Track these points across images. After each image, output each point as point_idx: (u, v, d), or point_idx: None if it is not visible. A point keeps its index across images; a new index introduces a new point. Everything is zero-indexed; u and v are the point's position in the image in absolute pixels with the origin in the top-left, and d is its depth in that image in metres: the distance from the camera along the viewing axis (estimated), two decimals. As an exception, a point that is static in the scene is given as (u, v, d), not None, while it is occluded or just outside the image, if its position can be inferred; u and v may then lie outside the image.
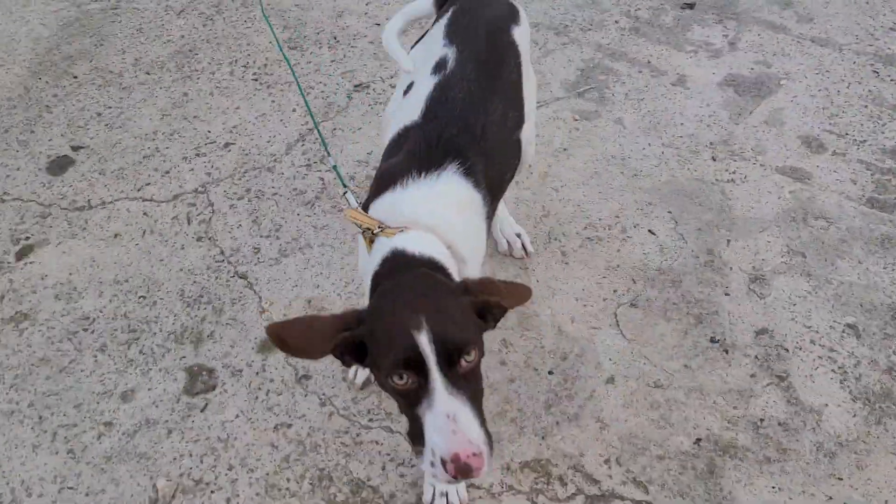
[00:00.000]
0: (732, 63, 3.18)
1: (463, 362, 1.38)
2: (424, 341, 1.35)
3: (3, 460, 2.11)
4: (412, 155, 1.75)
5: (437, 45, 1.96)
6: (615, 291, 2.41)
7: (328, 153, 2.04)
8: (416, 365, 1.36)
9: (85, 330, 2.42)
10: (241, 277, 2.54)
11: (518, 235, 2.54)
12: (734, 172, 2.74)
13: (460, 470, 1.30)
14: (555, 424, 2.10)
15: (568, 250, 2.54)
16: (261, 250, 2.62)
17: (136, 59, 3.49)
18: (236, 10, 3.73)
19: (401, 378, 1.37)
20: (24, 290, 2.55)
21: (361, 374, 2.22)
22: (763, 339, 2.25)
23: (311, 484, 2.02)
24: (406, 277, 1.54)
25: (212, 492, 2.02)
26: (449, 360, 1.36)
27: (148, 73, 3.41)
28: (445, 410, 1.34)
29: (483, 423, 1.39)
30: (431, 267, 1.57)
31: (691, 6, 3.47)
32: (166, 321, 2.43)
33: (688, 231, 2.56)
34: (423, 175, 1.70)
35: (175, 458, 2.10)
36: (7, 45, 3.61)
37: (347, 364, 1.52)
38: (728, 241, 2.52)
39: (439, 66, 1.90)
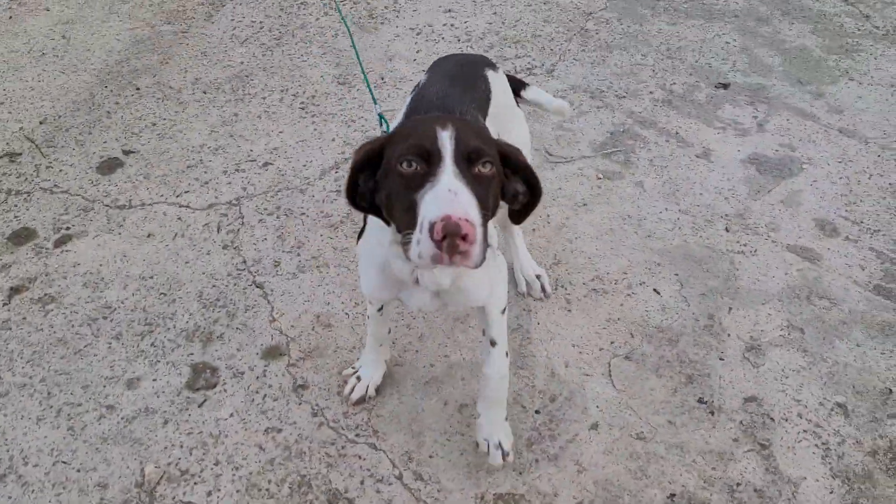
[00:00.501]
0: (758, 143, 3.25)
1: (478, 168, 1.41)
2: (446, 136, 1.39)
3: (8, 428, 2.23)
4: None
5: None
6: (612, 343, 2.46)
7: (375, 101, 2.20)
8: (431, 153, 1.38)
9: (105, 318, 2.56)
10: (258, 287, 2.66)
11: (538, 277, 2.61)
12: (745, 245, 2.78)
13: (448, 229, 1.26)
14: (534, 462, 2.14)
15: (573, 298, 2.60)
16: (281, 264, 2.74)
17: (196, 79, 3.72)
18: (295, 44, 3.95)
19: (410, 164, 1.39)
20: (56, 276, 2.71)
21: (358, 389, 2.29)
22: (751, 406, 2.27)
23: (290, 488, 2.08)
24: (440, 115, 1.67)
25: (195, 483, 2.10)
26: (465, 159, 1.39)
27: (205, 93, 3.63)
28: (448, 185, 1.34)
29: (485, 225, 1.37)
30: None
31: (726, 86, 3.57)
32: (181, 318, 2.55)
33: (692, 295, 2.60)
34: None
35: (166, 447, 2.19)
36: (81, 54, 3.89)
37: (357, 206, 1.57)
38: (730, 308, 2.55)
39: (415, 88, 2.11)
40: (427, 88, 2.04)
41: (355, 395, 2.29)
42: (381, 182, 1.51)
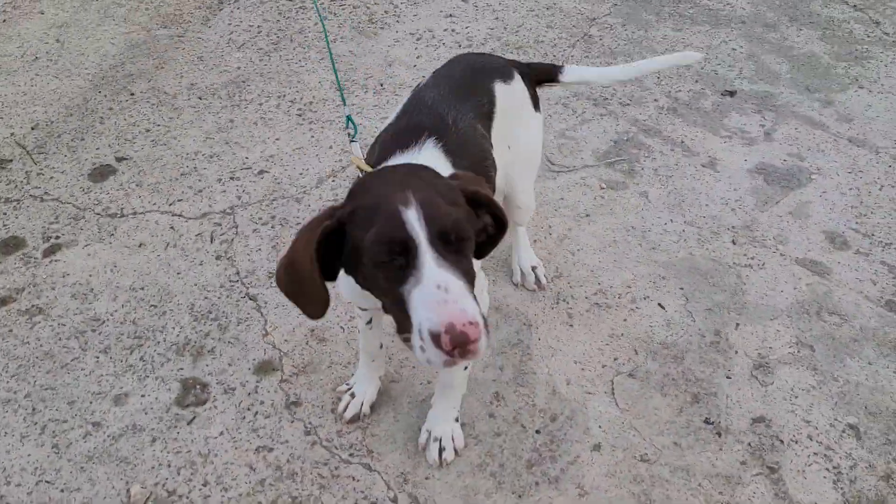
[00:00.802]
0: (766, 152, 3.17)
1: (453, 241, 1.31)
2: (413, 218, 1.27)
3: (-9, 445, 2.16)
4: (391, 139, 1.81)
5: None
6: (615, 359, 2.38)
7: (344, 102, 2.11)
8: (404, 244, 1.27)
9: (93, 331, 2.49)
10: (251, 299, 2.58)
11: (534, 268, 2.58)
12: (752, 258, 2.71)
13: (456, 341, 1.19)
14: (534, 484, 2.06)
15: (575, 313, 2.53)
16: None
17: (192, 84, 3.65)
18: (293, 49, 3.88)
19: (386, 256, 1.28)
20: (45, 286, 2.63)
21: (352, 407, 2.21)
22: (759, 427, 2.19)
23: (281, 510, 2.01)
24: (391, 166, 1.52)
25: (183, 504, 2.03)
26: (439, 238, 1.28)
27: (200, 98, 3.56)
28: (436, 281, 1.24)
29: (477, 303, 1.27)
30: None
31: (732, 94, 3.49)
32: (171, 332, 2.48)
33: (697, 310, 2.52)
34: (405, 151, 1.73)
35: (154, 467, 2.11)
36: (75, 59, 3.82)
37: (328, 277, 1.44)
38: (737, 324, 2.48)
39: (414, 90, 2.04)
40: (425, 90, 1.98)
41: (349, 413, 2.21)
42: (352, 262, 1.40)
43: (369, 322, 2.08)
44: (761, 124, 3.33)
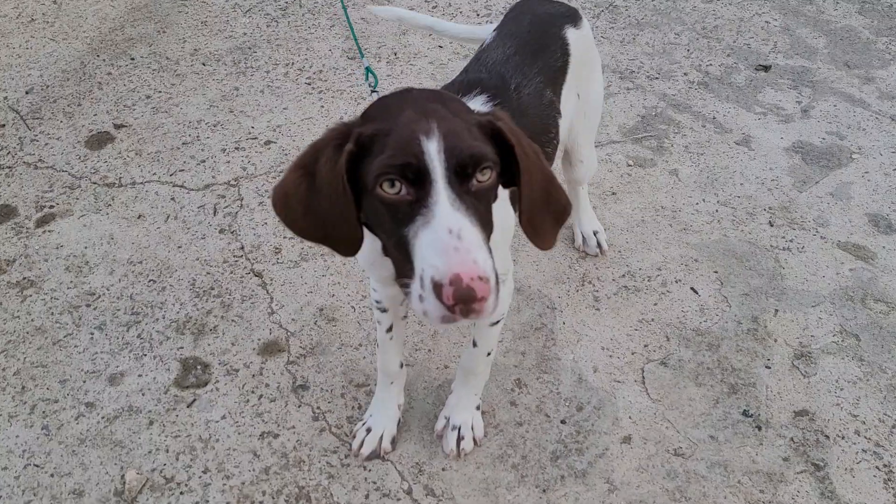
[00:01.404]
0: (803, 130, 3.00)
1: (475, 180, 1.15)
2: (433, 149, 1.11)
3: (-23, 426, 2.01)
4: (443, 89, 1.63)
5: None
6: (646, 346, 2.22)
7: (361, 54, 1.95)
8: (417, 172, 1.11)
9: (88, 306, 2.33)
10: (256, 275, 2.43)
11: (595, 233, 2.48)
12: (791, 241, 2.54)
13: (460, 296, 1.04)
14: (559, 478, 1.91)
15: (601, 296, 2.37)
16: (282, 251, 2.51)
17: (195, 50, 3.47)
18: (302, 15, 3.71)
19: (393, 185, 1.12)
20: (37, 258, 2.48)
21: (368, 443, 1.95)
22: (802, 421, 2.03)
23: (286, 501, 1.86)
24: (417, 89, 1.30)
25: (181, 493, 1.88)
26: (459, 174, 1.13)
27: (204, 65, 3.38)
28: (448, 224, 1.08)
29: (491, 257, 1.11)
30: None
31: (766, 69, 3.31)
32: (171, 308, 2.33)
33: (733, 294, 2.36)
34: None
35: (150, 452, 1.96)
36: (73, 21, 3.64)
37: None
38: (776, 310, 2.31)
39: (480, 47, 1.88)
40: (488, 51, 1.81)
41: (366, 450, 1.94)
42: (362, 195, 1.21)
43: (390, 330, 1.85)
44: (798, 101, 3.15)
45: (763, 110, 3.11)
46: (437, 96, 1.24)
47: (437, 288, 1.05)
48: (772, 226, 2.60)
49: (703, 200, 2.69)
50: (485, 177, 1.16)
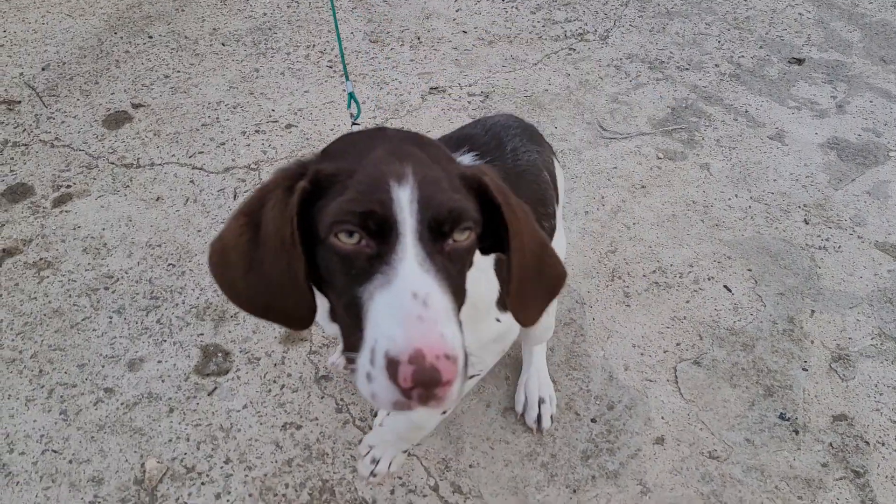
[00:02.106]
0: (838, 126, 2.93)
1: (453, 240, 0.97)
2: (404, 197, 0.93)
3: (-7, 409, 1.96)
4: None
5: None
6: (678, 345, 2.16)
7: (347, 77, 1.76)
8: (381, 222, 0.93)
9: (106, 289, 2.28)
10: (277, 262, 2.37)
11: (541, 403, 1.96)
12: (827, 240, 2.48)
13: (421, 377, 0.84)
14: (590, 479, 1.86)
15: (632, 292, 2.31)
16: (303, 238, 2.45)
17: (214, 29, 3.40)
18: (324, -3, 3.63)
19: (351, 236, 0.94)
20: (54, 238, 2.42)
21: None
22: (841, 425, 1.98)
23: (310, 494, 1.81)
24: (393, 129, 1.12)
25: (202, 483, 1.83)
26: (433, 230, 0.94)
27: (223, 45, 3.31)
28: (413, 287, 0.89)
29: (461, 333, 0.92)
30: None
31: (800, 62, 3.24)
32: (191, 294, 2.27)
33: (768, 294, 2.30)
34: None
35: (171, 440, 1.91)
36: (91, -3, 3.57)
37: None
38: (812, 311, 2.25)
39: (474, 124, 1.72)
40: (487, 118, 1.71)
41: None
42: (314, 246, 1.02)
43: None
44: (832, 95, 3.08)
45: (797, 104, 3.04)
46: (414, 138, 1.08)
47: (392, 366, 0.85)
48: (807, 224, 2.53)
49: (736, 196, 2.63)
50: (463, 237, 0.99)
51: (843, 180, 2.70)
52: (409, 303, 0.87)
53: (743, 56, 3.29)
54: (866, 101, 3.05)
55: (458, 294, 0.98)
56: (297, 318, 1.04)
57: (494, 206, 1.05)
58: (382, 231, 0.93)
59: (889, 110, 3.01)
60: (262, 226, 1.01)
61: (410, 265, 0.91)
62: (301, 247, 1.00)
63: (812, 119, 2.96)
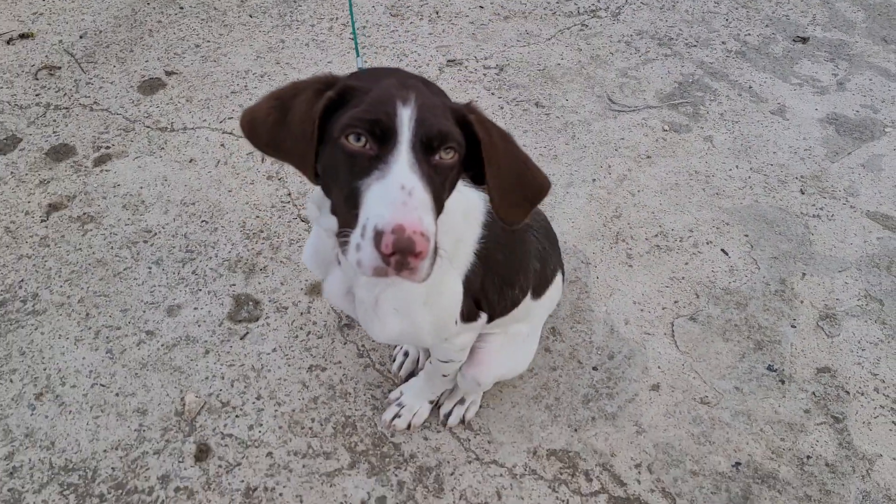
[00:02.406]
0: (837, 102, 3.06)
1: (439, 156, 1.17)
2: (405, 114, 1.14)
3: (45, 347, 2.14)
4: None
5: None
6: (676, 302, 2.32)
7: (358, 53, 1.88)
8: (385, 131, 1.14)
9: (145, 242, 2.45)
10: (303, 220, 2.54)
11: (461, 402, 2.05)
12: (821, 209, 2.62)
13: (399, 244, 1.04)
14: (590, 420, 2.03)
15: (634, 254, 2.46)
16: (327, 199, 2.61)
17: (242, 1, 3.55)
18: (346, -29, 3.76)
19: (358, 139, 1.14)
20: (96, 195, 2.60)
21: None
22: (824, 377, 2.14)
23: (334, 428, 1.99)
24: (406, 71, 1.31)
25: (236, 416, 2.01)
26: (424, 145, 1.15)
27: (251, 16, 3.46)
28: (402, 181, 1.10)
29: (435, 226, 1.13)
30: None
31: (804, 40, 3.35)
32: (223, 248, 2.44)
33: (762, 257, 2.45)
34: None
35: (207, 378, 2.10)
36: (124, -31, 3.72)
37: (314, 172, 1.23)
38: (803, 274, 2.41)
39: None
40: None
41: (404, 371, 2.09)
42: (325, 144, 1.22)
43: None
44: (834, 73, 3.20)
45: (799, 81, 3.16)
46: (422, 78, 1.28)
47: (378, 236, 1.05)
48: (803, 193, 2.67)
49: (737, 167, 2.77)
50: (448, 155, 1.18)
51: (840, 153, 2.84)
52: (397, 192, 1.09)
53: (749, 34, 3.41)
54: (866, 80, 3.17)
55: (438, 199, 1.18)
56: (308, 175, 1.24)
57: (477, 140, 1.25)
58: (385, 137, 1.14)
59: (887, 88, 3.13)
60: (290, 114, 1.22)
61: (402, 165, 1.12)
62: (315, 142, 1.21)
63: (813, 95, 3.09)
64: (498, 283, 1.62)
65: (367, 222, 1.08)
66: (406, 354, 2.14)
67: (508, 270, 1.63)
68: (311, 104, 1.20)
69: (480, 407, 2.05)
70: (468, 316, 1.58)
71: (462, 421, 2.02)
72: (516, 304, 1.72)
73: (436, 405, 2.05)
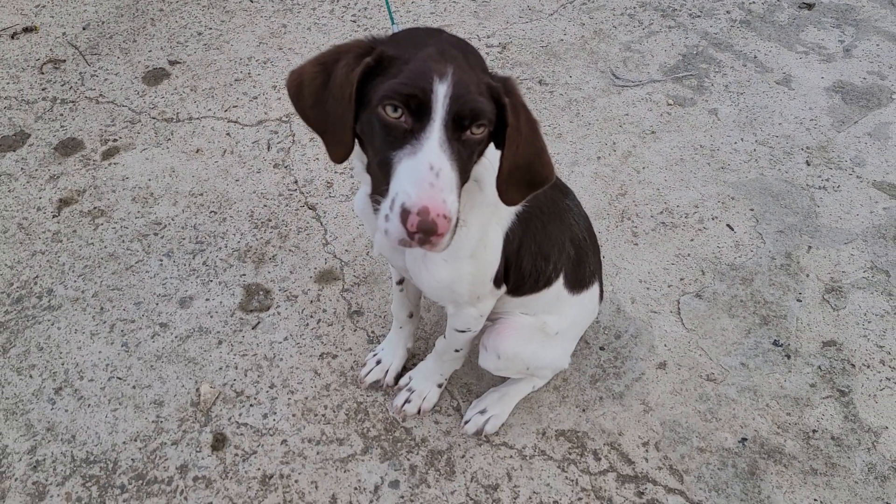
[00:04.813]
0: (844, 70, 3.02)
1: (469, 131, 1.23)
2: (441, 90, 1.18)
3: (62, 342, 2.19)
4: None
5: None
6: (682, 279, 2.34)
7: (392, 21, 1.85)
8: (420, 105, 1.19)
9: (155, 234, 2.49)
10: (310, 208, 2.56)
11: (482, 413, 2.04)
12: (827, 180, 2.61)
13: (422, 226, 1.13)
14: (598, 399, 2.06)
15: (640, 231, 2.47)
16: (333, 185, 2.64)
17: (243, -13, 3.55)
18: (345, -49, 3.74)
19: (395, 110, 1.20)
20: (105, 189, 2.63)
21: (374, 373, 2.11)
22: (830, 350, 2.15)
23: (346, 415, 2.03)
24: (448, 34, 1.35)
25: (251, 405, 2.06)
26: (456, 121, 1.20)
27: (252, 1, 3.46)
28: (431, 160, 1.17)
29: (458, 202, 1.21)
30: None
31: (810, 6, 3.31)
32: (233, 238, 2.48)
33: (768, 231, 2.46)
34: None
35: (221, 368, 2.14)
36: (123, -43, 3.72)
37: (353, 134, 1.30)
38: (809, 247, 2.41)
39: None
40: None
41: (370, 378, 2.11)
42: (360, 109, 1.28)
43: (400, 282, 1.98)
44: (840, 40, 3.16)
45: (805, 49, 3.13)
46: (463, 45, 1.32)
47: (405, 214, 1.14)
48: (809, 165, 2.66)
49: (742, 140, 2.76)
50: (479, 131, 1.24)
51: (846, 122, 2.82)
52: (426, 172, 1.16)
53: (754, 2, 3.37)
54: (873, 45, 3.14)
55: (464, 172, 1.25)
56: (339, 152, 1.32)
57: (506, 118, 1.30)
58: (420, 112, 1.19)
59: (895, 54, 3.09)
60: (332, 77, 1.28)
61: (433, 144, 1.18)
62: (355, 105, 1.26)
63: (819, 63, 3.06)
64: (534, 250, 1.65)
65: (395, 196, 1.16)
66: (378, 362, 2.14)
67: (545, 240, 1.67)
68: (350, 70, 1.25)
69: (490, 390, 2.08)
70: (496, 280, 1.63)
71: (479, 432, 2.01)
72: (549, 284, 1.74)
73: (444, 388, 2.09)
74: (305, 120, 1.35)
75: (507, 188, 1.35)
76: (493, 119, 1.26)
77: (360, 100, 1.27)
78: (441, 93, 1.18)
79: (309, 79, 1.30)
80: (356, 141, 1.34)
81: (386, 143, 1.22)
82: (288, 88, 1.33)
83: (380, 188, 1.24)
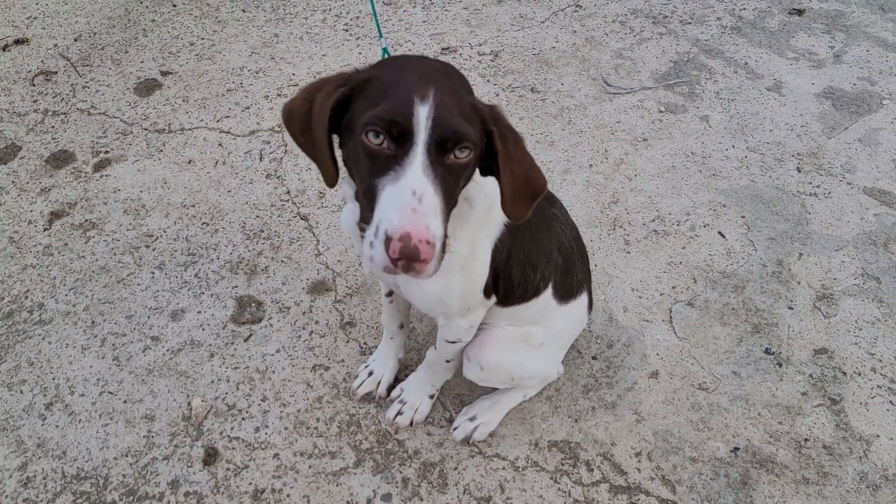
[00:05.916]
0: (834, 76, 3.03)
1: (453, 155, 1.22)
2: (423, 114, 1.18)
3: (53, 356, 2.19)
4: None
5: None
6: (673, 288, 2.34)
7: (380, 34, 1.88)
8: (402, 131, 1.18)
9: (147, 246, 2.49)
10: (302, 219, 2.56)
11: (472, 420, 2.03)
12: (818, 186, 2.62)
13: (405, 253, 1.13)
14: (590, 409, 2.06)
15: (632, 240, 2.47)
16: (325, 196, 2.63)
17: (234, -4, 3.55)
18: (337, -40, 3.74)
19: (377, 136, 1.19)
20: (96, 201, 2.63)
21: (367, 384, 2.11)
22: (821, 358, 2.16)
23: (339, 427, 2.03)
24: (430, 58, 1.37)
25: (242, 419, 2.05)
26: (439, 144, 1.19)
27: (244, 11, 3.46)
28: (413, 186, 1.16)
29: (444, 227, 1.20)
30: None
31: (800, 13, 3.32)
32: (225, 250, 2.47)
33: (759, 239, 2.46)
34: None
35: (213, 381, 2.14)
36: (115, -33, 3.72)
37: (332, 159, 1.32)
38: (800, 254, 2.41)
39: None
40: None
41: (362, 390, 2.11)
42: (346, 137, 1.30)
43: (389, 294, 1.98)
44: (830, 46, 3.17)
45: (795, 55, 3.14)
46: (447, 69, 1.32)
47: (387, 240, 1.14)
48: (799, 171, 2.67)
49: (733, 147, 2.76)
50: (463, 154, 1.22)
51: (837, 129, 2.82)
52: (408, 197, 1.15)
53: (744, 8, 3.38)
54: (863, 51, 3.14)
55: (449, 197, 1.24)
56: (327, 176, 1.34)
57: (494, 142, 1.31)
58: (402, 138, 1.18)
59: (885, 59, 3.10)
60: (313, 105, 1.31)
61: (415, 169, 1.17)
62: (337, 132, 1.31)
63: (809, 69, 3.06)
64: (523, 259, 1.65)
65: (379, 223, 1.16)
66: (370, 374, 2.13)
67: (532, 249, 1.67)
68: (326, 99, 1.27)
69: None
70: (486, 290, 1.63)
71: (468, 439, 2.01)
72: (537, 293, 1.74)
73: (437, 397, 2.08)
74: (299, 147, 1.38)
75: (515, 207, 1.37)
76: (479, 142, 1.25)
77: (346, 128, 1.28)
78: (423, 115, 1.18)
79: (297, 107, 1.33)
80: (346, 167, 1.36)
81: (371, 171, 1.22)
82: (282, 117, 1.37)
83: (366, 215, 1.24)
